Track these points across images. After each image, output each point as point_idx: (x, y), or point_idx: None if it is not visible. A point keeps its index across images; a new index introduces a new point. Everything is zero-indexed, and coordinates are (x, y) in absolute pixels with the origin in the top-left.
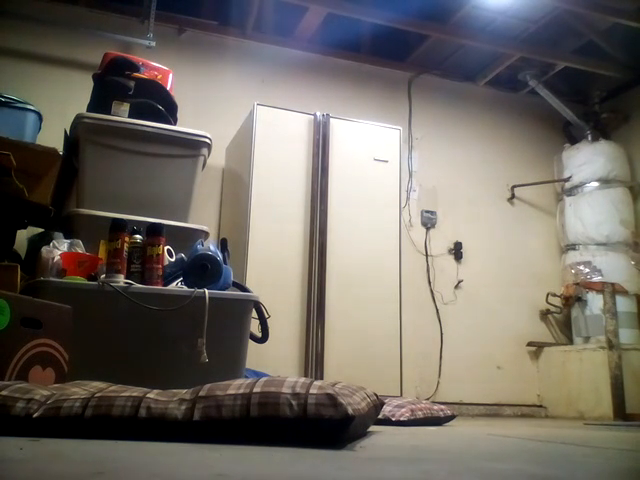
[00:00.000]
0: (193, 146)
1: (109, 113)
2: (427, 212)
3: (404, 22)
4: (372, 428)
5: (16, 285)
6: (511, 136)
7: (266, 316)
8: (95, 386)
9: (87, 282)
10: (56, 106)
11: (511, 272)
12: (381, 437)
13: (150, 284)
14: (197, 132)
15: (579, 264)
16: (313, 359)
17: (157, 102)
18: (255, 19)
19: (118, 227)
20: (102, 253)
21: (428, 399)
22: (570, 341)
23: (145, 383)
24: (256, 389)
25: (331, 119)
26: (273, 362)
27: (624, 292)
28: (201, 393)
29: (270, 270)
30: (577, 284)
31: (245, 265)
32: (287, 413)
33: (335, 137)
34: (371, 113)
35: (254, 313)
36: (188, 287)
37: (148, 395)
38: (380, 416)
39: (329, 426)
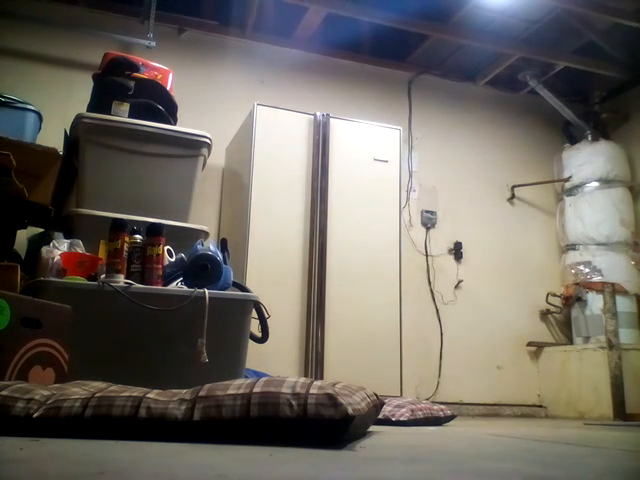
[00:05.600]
0: (193, 146)
1: (109, 113)
2: (427, 212)
3: (404, 22)
4: (372, 428)
5: (16, 285)
6: (511, 136)
7: (266, 316)
8: (95, 386)
9: (87, 282)
10: (56, 106)
11: (511, 272)
12: (381, 437)
13: (150, 284)
14: (197, 132)
15: (579, 264)
16: (313, 359)
17: (157, 102)
18: (255, 19)
19: (118, 227)
20: (102, 253)
21: (428, 399)
22: (570, 341)
23: (145, 383)
24: (256, 389)
25: (331, 119)
26: (273, 362)
27: (624, 292)
28: (201, 393)
29: (270, 270)
30: (577, 284)
31: (245, 265)
32: (287, 413)
33: (335, 137)
34: (371, 113)
35: (254, 313)
36: (188, 287)
37: (148, 395)
38: (380, 416)
39: (329, 426)
